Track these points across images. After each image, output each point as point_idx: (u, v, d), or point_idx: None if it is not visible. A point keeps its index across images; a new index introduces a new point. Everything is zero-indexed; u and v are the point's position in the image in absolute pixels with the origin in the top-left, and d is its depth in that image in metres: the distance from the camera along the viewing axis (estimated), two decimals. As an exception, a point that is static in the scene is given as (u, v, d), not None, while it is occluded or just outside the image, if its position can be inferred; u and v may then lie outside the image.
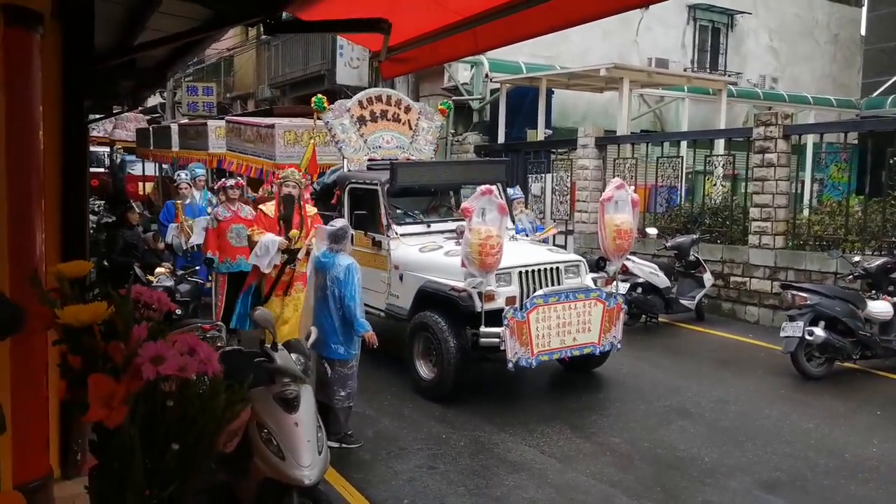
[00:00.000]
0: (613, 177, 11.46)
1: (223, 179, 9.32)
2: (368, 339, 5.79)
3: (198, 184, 10.91)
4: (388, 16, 3.47)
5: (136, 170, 19.56)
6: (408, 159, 8.83)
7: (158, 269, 8.01)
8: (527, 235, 9.20)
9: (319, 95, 8.68)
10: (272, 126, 9.93)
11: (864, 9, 21.99)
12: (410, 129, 9.14)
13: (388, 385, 7.26)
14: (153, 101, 26.77)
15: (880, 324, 7.88)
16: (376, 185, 7.95)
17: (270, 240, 7.04)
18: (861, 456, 5.74)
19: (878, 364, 8.02)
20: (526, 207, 10.66)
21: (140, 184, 18.81)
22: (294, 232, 7.13)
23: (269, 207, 7.37)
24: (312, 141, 8.88)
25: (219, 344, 5.33)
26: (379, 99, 8.96)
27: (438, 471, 5.44)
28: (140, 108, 17.36)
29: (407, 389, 7.12)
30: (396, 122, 9.03)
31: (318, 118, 8.69)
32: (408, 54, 4.13)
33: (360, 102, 8.83)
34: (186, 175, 10.78)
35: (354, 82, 17.70)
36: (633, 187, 7.86)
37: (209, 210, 9.43)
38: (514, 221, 8.76)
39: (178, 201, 10.23)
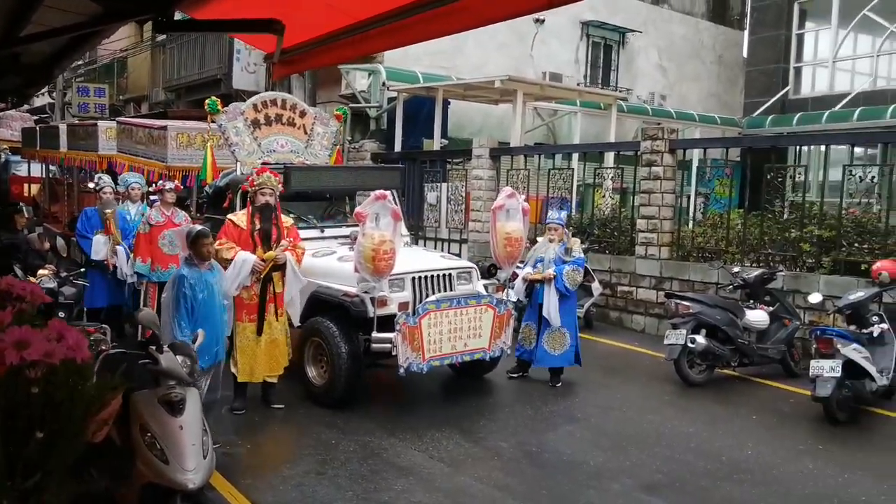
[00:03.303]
0: (505, 187, 11.70)
1: (161, 182, 8.80)
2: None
3: (132, 194, 9.06)
4: (281, 17, 3.43)
5: (22, 170, 18.59)
6: (302, 164, 8.72)
7: (41, 272, 7.61)
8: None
9: (213, 98, 8.46)
10: (164, 128, 9.58)
11: (746, 32, 23.26)
12: (305, 133, 9.02)
13: (277, 390, 7.10)
14: (41, 100, 25.65)
15: (757, 332, 8.28)
16: (268, 188, 7.78)
17: (243, 259, 6.40)
18: (737, 458, 6.00)
19: (754, 371, 8.42)
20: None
21: (25, 185, 17.90)
22: (271, 253, 6.53)
23: (241, 217, 6.75)
24: (209, 144, 8.63)
25: (102, 347, 5.12)
26: (274, 103, 8.80)
27: (327, 476, 5.36)
28: (27, 108, 16.54)
29: (297, 395, 7.00)
30: (291, 127, 8.89)
31: (212, 121, 8.48)
32: (301, 55, 4.10)
33: (255, 106, 8.67)
34: (109, 179, 9.29)
35: (251, 87, 17.40)
36: (524, 197, 8.00)
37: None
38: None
39: (108, 210, 8.65)
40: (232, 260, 6.37)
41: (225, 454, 5.47)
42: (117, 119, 11.87)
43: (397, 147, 15.62)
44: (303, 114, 9.01)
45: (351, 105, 14.98)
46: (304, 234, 7.77)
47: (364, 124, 16.45)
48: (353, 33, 3.59)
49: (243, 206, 8.03)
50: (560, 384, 7.80)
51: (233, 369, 6.48)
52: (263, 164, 8.59)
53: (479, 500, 5.13)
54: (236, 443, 5.86)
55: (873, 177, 9.74)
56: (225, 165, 9.04)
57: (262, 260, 6.50)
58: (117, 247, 8.47)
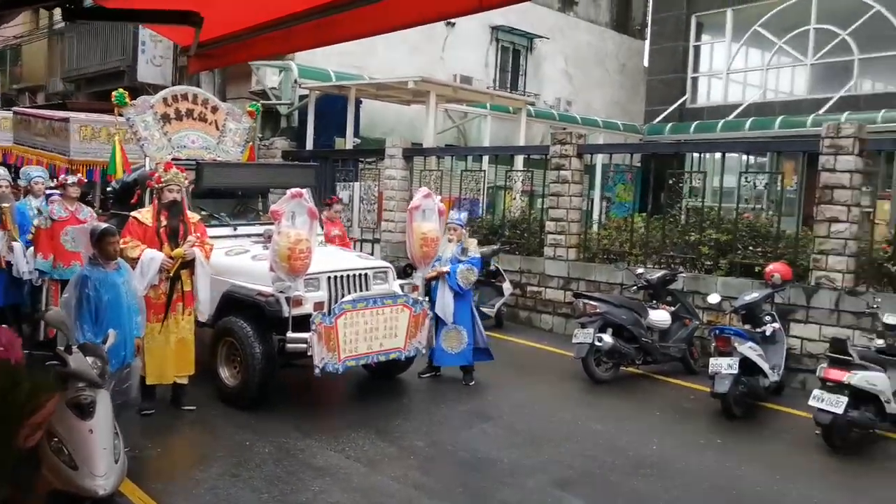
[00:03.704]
0: (420, 187, 11.76)
1: (64, 176, 8.34)
2: None
3: (35, 189, 8.73)
4: (199, 9, 3.36)
5: None
6: (214, 160, 8.54)
7: None
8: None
9: (121, 90, 8.18)
10: (66, 119, 9.17)
11: (647, 42, 24.15)
12: (217, 129, 8.83)
13: (188, 392, 6.92)
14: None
15: (660, 331, 8.63)
16: (180, 185, 7.60)
17: (150, 257, 6.22)
18: (642, 453, 6.24)
19: (657, 369, 8.78)
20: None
21: None
22: (179, 251, 6.35)
23: (146, 214, 6.54)
24: (117, 138, 8.33)
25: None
26: (185, 97, 8.58)
27: (242, 478, 5.28)
28: None
29: (209, 397, 6.84)
30: (203, 122, 8.69)
31: (119, 114, 8.19)
32: (219, 50, 4.02)
33: (165, 100, 8.43)
34: (5, 172, 8.68)
35: (157, 80, 16.88)
36: (440, 198, 8.08)
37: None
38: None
39: (5, 205, 8.11)
40: (138, 259, 6.18)
41: (134, 458, 5.30)
42: (13, 109, 11.29)
43: (309, 145, 15.47)
44: (215, 109, 8.82)
45: (262, 102, 14.71)
46: (216, 232, 7.63)
47: (275, 122, 16.20)
48: (274, 29, 3.56)
49: (151, 202, 7.82)
50: (473, 382, 7.92)
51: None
52: (174, 159, 8.38)
53: (396, 499, 5.17)
54: (146, 446, 5.69)
55: (766, 184, 10.31)
56: (132, 160, 8.77)
57: (170, 258, 6.33)
58: (13, 244, 8.06)
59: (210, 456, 5.68)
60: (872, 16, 17.96)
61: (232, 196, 8.41)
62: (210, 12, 3.35)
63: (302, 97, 16.01)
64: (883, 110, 16.61)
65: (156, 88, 15.65)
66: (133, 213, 6.65)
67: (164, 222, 6.46)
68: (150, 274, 6.22)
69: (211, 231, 7.56)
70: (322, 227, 9.24)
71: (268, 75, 15.78)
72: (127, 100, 8.11)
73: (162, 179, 6.52)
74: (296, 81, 15.65)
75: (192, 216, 6.77)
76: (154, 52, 17.07)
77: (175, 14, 3.35)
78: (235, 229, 7.89)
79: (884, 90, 18.74)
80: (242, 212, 8.47)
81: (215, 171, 7.90)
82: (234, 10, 3.52)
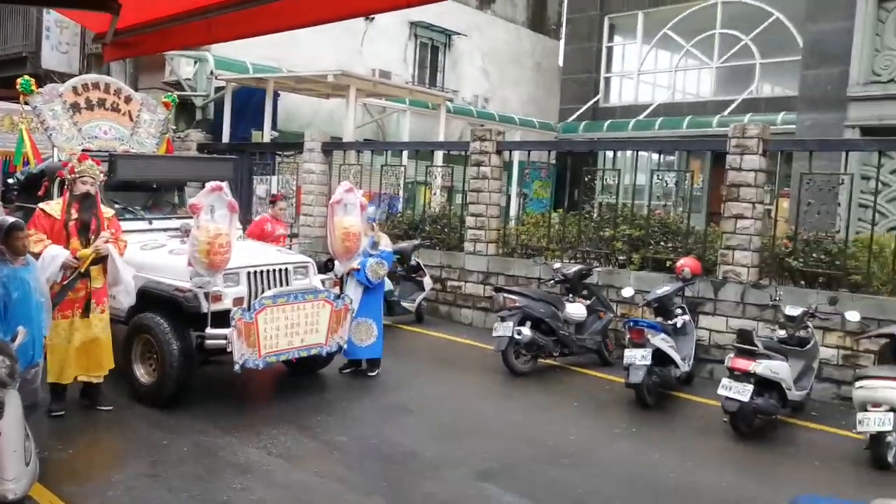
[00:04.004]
0: (339, 182, 11.69)
1: None
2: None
3: None
4: None
5: None
6: (127, 152, 8.28)
7: None
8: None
9: (26, 77, 7.84)
10: (-38, 108, 8.73)
11: (562, 42, 24.65)
12: (131, 120, 8.56)
13: (103, 391, 6.69)
14: None
15: (576, 324, 8.84)
16: (92, 177, 7.35)
17: (52, 255, 5.87)
18: (561, 443, 6.40)
19: (573, 361, 9.00)
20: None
21: None
22: (84, 252, 6.03)
23: (54, 207, 6.21)
24: (23, 127, 7.96)
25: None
26: (97, 86, 8.29)
27: (159, 478, 5.15)
28: None
29: (123, 395, 6.64)
30: (116, 112, 8.41)
31: (25, 102, 7.83)
32: (136, 38, 3.90)
33: (75, 88, 8.12)
34: None
35: (63, 68, 16.17)
36: (361, 192, 8.07)
37: None
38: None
39: None
40: (40, 254, 5.86)
41: (46, 461, 5.11)
42: None
43: (225, 138, 15.15)
44: (128, 99, 8.56)
45: (176, 93, 14.31)
46: (131, 225, 7.44)
47: (189, 113, 15.78)
48: (194, 19, 3.48)
49: (60, 194, 7.52)
50: (377, 373, 7.93)
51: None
52: (84, 150, 8.09)
53: (320, 495, 5.15)
54: (59, 448, 5.48)
55: (676, 182, 10.70)
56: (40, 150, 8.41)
57: (75, 258, 6.02)
58: None
59: (126, 456, 5.54)
60: (772, 23, 18.85)
61: (147, 189, 8.16)
62: (127, -1, 3.26)
63: (218, 89, 15.66)
64: (782, 112, 17.48)
65: (61, 76, 15.04)
66: (41, 205, 6.31)
67: (74, 215, 6.16)
68: (50, 271, 5.88)
69: (125, 225, 7.34)
70: (269, 226, 9.13)
71: (182, 66, 15.35)
72: (33, 87, 7.79)
73: (75, 170, 6.23)
74: (212, 73, 15.29)
75: (107, 211, 6.50)
76: (59, 38, 16.32)
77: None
78: (151, 223, 7.70)
79: (782, 93, 19.70)
80: (157, 205, 8.24)
81: (130, 163, 7.68)
82: (154, -4, 3.43)
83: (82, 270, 6.08)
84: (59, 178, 7.12)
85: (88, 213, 6.21)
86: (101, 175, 6.49)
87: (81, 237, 6.15)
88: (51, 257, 5.89)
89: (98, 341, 6.25)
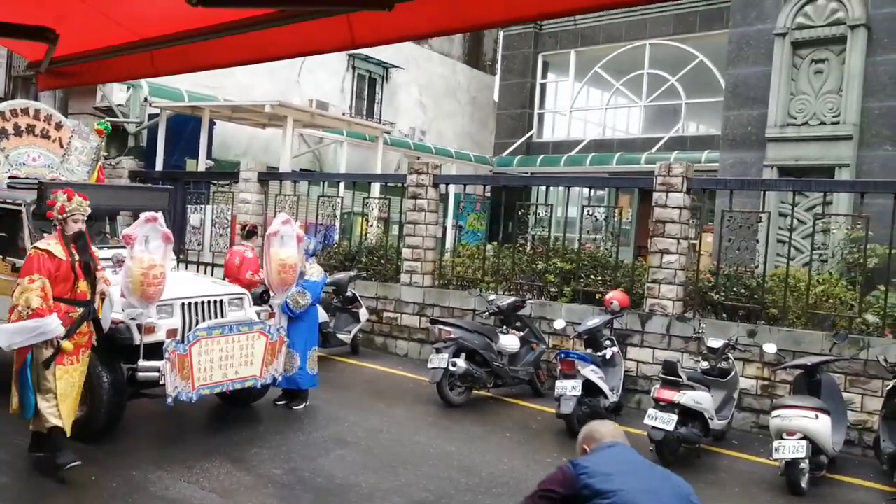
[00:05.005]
0: (276, 212, 11.67)
1: None
2: None
3: None
4: (55, 25, 3.25)
5: None
6: (56, 179, 8.12)
7: None
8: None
9: (-50, 101, 7.66)
10: None
11: (497, 77, 25.18)
12: (61, 147, 8.43)
13: (21, 427, 6.47)
14: None
15: (510, 355, 9.00)
16: (20, 204, 7.23)
17: (51, 328, 5.42)
18: (495, 473, 6.51)
19: (507, 392, 9.15)
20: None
21: None
22: (69, 345, 5.57)
23: (55, 247, 5.69)
24: None
25: None
26: (26, 112, 8.15)
27: (88, 516, 5.05)
28: None
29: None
30: (45, 139, 8.28)
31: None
32: (73, 68, 3.89)
33: (3, 114, 7.98)
34: None
35: (-15, 89, 15.74)
36: (298, 223, 8.09)
37: None
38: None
39: None
40: (30, 314, 5.40)
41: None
42: None
43: (158, 166, 14.93)
44: (59, 126, 8.43)
45: (108, 119, 14.08)
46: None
47: (121, 140, 15.50)
48: (136, 51, 3.50)
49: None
50: (303, 407, 7.88)
51: (54, 420, 5.60)
52: (11, 177, 7.93)
53: (254, 528, 5.13)
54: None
55: (606, 216, 11.05)
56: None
57: (58, 349, 5.53)
58: None
59: (49, 494, 5.38)
60: (697, 65, 19.70)
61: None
62: (67, 27, 3.24)
63: (151, 116, 15.45)
64: (706, 151, 18.21)
65: (-17, 99, 14.62)
66: (37, 245, 5.77)
67: (76, 256, 5.77)
68: (31, 341, 5.43)
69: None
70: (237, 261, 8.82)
71: (115, 92, 15.11)
72: None
73: (66, 209, 5.80)
74: (146, 100, 15.08)
75: (94, 248, 6.17)
76: (-18, 59, 15.91)
77: (28, 29, 3.22)
78: (81, 253, 7.52)
79: (706, 132, 20.55)
80: (88, 234, 8.06)
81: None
82: (94, 27, 3.42)
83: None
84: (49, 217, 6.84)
85: (87, 253, 5.88)
86: (89, 210, 6.05)
87: (87, 278, 5.84)
88: (44, 331, 5.43)
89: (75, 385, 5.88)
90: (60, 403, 5.61)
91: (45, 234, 7.15)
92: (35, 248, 5.74)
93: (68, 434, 5.70)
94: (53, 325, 5.46)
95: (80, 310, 5.76)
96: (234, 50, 3.27)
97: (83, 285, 5.80)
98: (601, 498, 2.93)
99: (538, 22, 21.60)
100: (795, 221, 11.92)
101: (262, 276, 8.01)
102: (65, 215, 5.79)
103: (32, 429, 5.79)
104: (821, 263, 10.80)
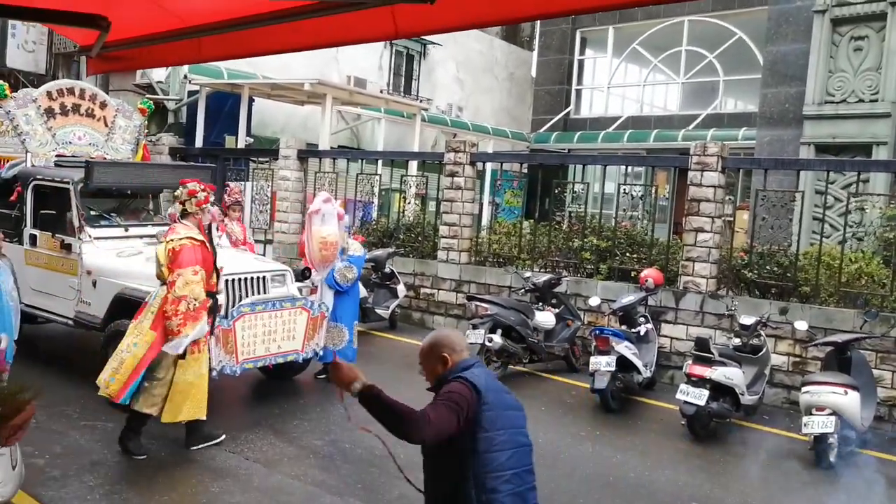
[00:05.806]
0: (315, 189, 11.86)
1: None
2: None
3: None
4: (106, 12, 3.37)
5: None
6: (102, 158, 8.38)
7: None
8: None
9: (1, 81, 7.91)
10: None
11: (535, 53, 25.02)
12: (106, 126, 8.67)
13: (76, 398, 6.79)
14: None
15: (545, 332, 9.09)
16: (68, 183, 7.48)
17: (199, 332, 5.67)
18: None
19: (542, 367, 9.25)
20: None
21: None
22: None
23: (199, 236, 5.78)
24: None
25: None
26: (71, 91, 8.38)
27: (138, 483, 5.29)
28: None
29: (99, 402, 6.66)
30: (91, 118, 8.51)
31: None
32: (123, 53, 4.00)
33: (49, 93, 8.21)
34: None
35: (29, 67, 16.03)
36: (339, 201, 8.24)
37: None
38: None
39: None
40: (198, 309, 5.59)
41: (29, 466, 5.22)
42: None
43: (198, 142, 15.19)
44: (104, 105, 8.66)
45: (148, 96, 14.36)
46: (107, 232, 7.55)
47: (161, 117, 15.79)
48: (183, 37, 3.62)
49: (36, 201, 7.58)
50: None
51: (148, 409, 5.72)
52: (58, 156, 8.18)
53: (297, 497, 5.32)
54: (33, 454, 5.57)
55: (642, 195, 11.04)
56: (8, 155, 8.43)
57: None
58: None
59: (103, 462, 5.64)
60: (735, 42, 19.38)
61: (122, 196, 8.27)
62: (117, 14, 3.36)
63: (191, 93, 15.70)
64: (744, 128, 17.98)
65: (26, 75, 14.97)
66: (188, 235, 5.72)
67: (211, 248, 5.91)
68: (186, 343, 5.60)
69: (101, 232, 7.46)
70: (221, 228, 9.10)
71: (154, 69, 15.38)
72: (7, 92, 7.86)
73: (201, 203, 5.86)
74: (185, 77, 15.33)
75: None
76: (26, 36, 16.09)
77: (82, 17, 3.33)
78: (127, 230, 7.79)
79: (744, 109, 20.24)
80: (133, 212, 8.33)
81: (107, 169, 7.76)
82: (144, 14, 3.54)
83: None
84: (33, 185, 7.11)
85: (214, 245, 6.00)
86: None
87: (215, 272, 5.99)
88: (196, 334, 5.65)
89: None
90: (197, 392, 5.78)
91: (91, 211, 7.41)
92: (189, 238, 5.70)
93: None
94: (204, 324, 5.71)
95: (211, 301, 5.93)
96: (278, 38, 3.36)
97: (214, 277, 5.98)
98: (484, 432, 2.97)
99: None
100: (831, 199, 11.79)
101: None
102: (203, 206, 5.85)
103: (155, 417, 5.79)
104: (856, 242, 10.68)
